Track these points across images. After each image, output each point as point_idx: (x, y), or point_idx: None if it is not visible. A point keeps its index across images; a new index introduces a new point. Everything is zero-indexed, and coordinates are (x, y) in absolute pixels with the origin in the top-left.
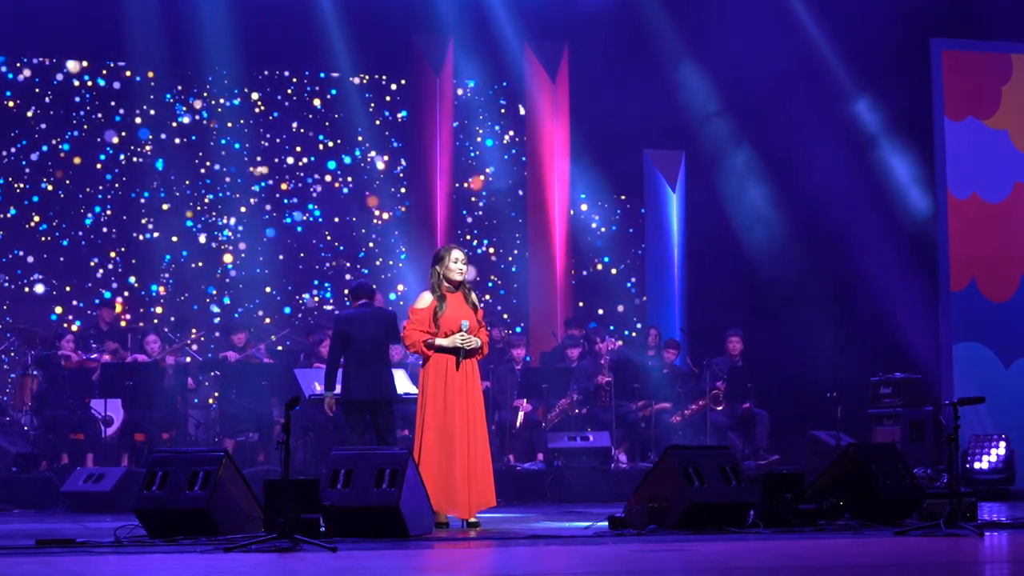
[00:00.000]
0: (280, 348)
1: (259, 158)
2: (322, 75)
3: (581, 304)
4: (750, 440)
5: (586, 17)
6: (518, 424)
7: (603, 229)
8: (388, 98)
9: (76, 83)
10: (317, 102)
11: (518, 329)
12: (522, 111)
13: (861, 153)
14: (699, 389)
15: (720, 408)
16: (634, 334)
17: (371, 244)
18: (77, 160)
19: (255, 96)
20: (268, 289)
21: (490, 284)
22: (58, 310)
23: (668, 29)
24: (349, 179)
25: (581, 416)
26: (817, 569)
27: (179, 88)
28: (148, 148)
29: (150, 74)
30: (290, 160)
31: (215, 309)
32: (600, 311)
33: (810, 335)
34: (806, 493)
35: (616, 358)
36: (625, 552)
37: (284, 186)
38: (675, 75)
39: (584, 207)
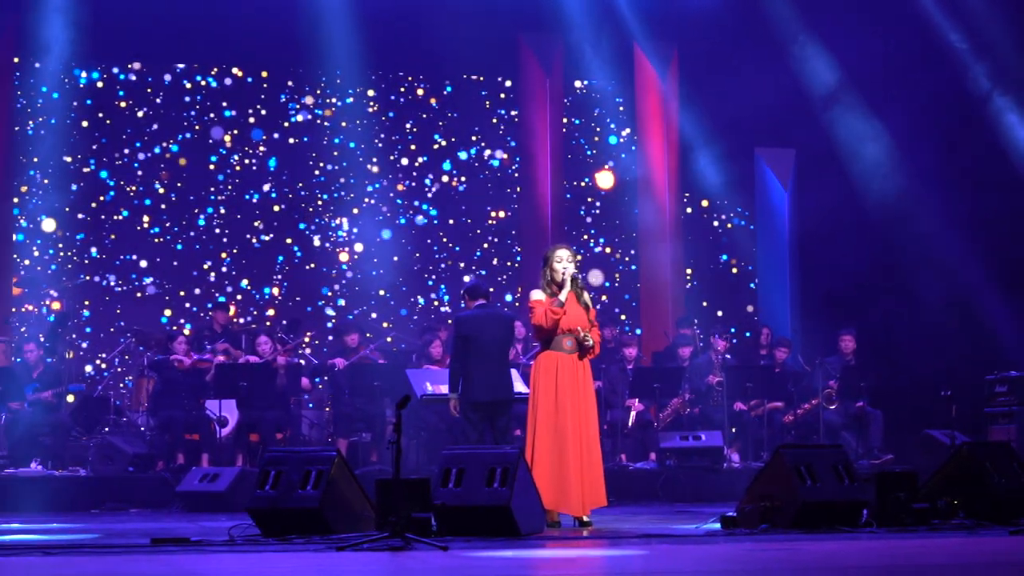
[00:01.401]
0: (395, 349)
1: (374, 158)
2: (436, 74)
3: (705, 304)
4: (864, 439)
5: (695, 18)
6: (630, 424)
7: (730, 225)
8: (503, 95)
9: (187, 84)
10: (433, 101)
11: (639, 331)
12: (635, 109)
13: (975, 151)
14: (811, 388)
15: (833, 407)
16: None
17: (486, 245)
18: (185, 162)
19: (370, 94)
20: (381, 292)
21: (607, 285)
22: (168, 312)
23: (781, 24)
24: (464, 179)
25: (693, 415)
26: (931, 568)
27: (291, 86)
28: (261, 148)
29: (263, 74)
30: (404, 160)
31: (330, 312)
32: (719, 312)
33: (924, 333)
34: (920, 492)
35: (727, 357)
36: (738, 551)
37: (399, 186)
38: (785, 73)
39: (705, 203)
